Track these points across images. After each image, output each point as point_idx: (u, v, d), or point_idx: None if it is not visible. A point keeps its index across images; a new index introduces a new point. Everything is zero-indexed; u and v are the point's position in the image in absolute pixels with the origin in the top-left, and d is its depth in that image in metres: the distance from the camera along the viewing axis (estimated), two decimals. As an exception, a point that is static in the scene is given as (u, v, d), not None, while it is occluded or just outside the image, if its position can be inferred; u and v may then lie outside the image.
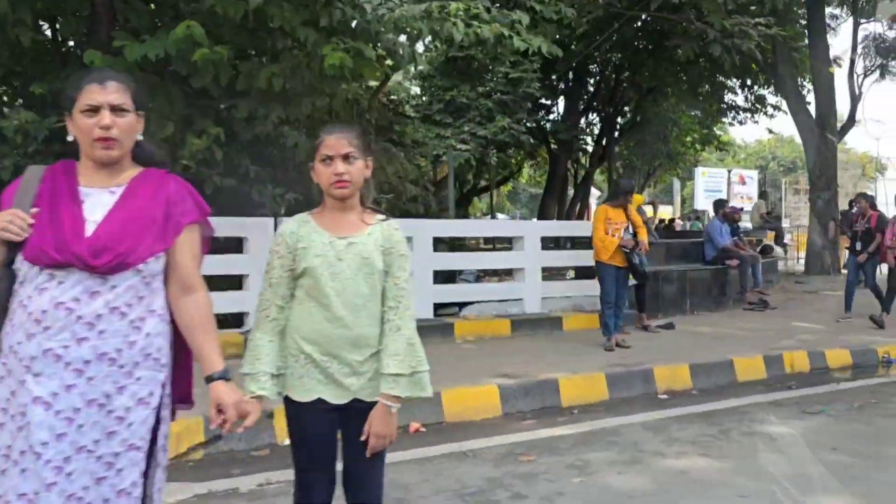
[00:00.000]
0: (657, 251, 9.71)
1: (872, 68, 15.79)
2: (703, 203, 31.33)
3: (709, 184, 39.91)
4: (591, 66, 21.61)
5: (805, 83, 16.54)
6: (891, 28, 16.46)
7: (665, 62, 20.37)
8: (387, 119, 14.76)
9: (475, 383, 5.08)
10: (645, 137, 22.81)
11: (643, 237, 6.73)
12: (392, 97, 16.53)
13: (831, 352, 6.90)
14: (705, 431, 4.53)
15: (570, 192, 25.71)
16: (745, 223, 15.94)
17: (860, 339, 7.62)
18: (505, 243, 8.88)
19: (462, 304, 7.35)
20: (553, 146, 21.24)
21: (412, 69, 21.82)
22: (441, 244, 7.93)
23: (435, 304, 7.19)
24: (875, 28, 16.78)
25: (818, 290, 12.67)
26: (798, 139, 17.60)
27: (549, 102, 23.50)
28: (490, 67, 17.55)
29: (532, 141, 17.23)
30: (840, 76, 16.75)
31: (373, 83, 13.64)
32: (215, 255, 5.55)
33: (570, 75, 20.38)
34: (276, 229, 5.93)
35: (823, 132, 14.88)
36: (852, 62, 15.81)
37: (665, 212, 39.20)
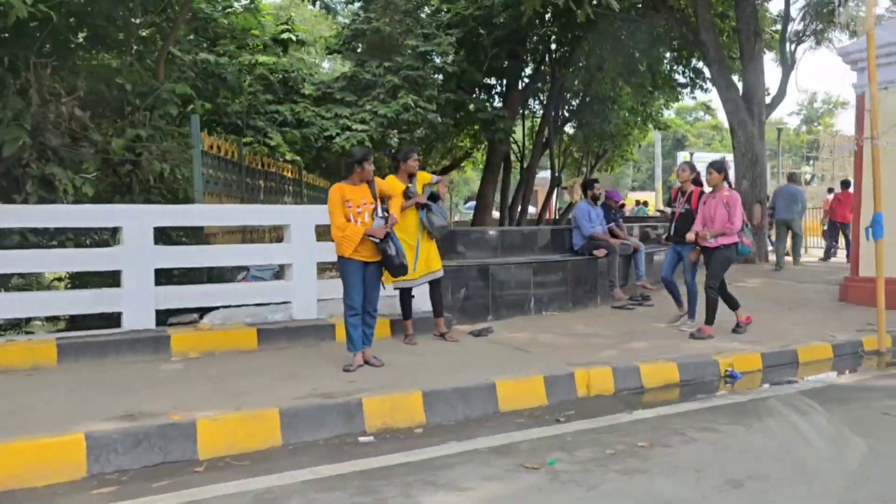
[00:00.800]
0: (507, 240, 8.23)
1: (807, 34, 14.23)
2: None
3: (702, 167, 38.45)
4: (528, 44, 20.11)
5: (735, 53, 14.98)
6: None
7: (599, 36, 18.89)
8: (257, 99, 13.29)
9: (62, 431, 3.61)
10: (587, 118, 21.28)
11: (395, 209, 5.26)
12: (290, 73, 14.96)
13: (652, 366, 5.43)
14: (346, 501, 3.08)
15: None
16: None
17: (710, 347, 6.15)
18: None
19: (206, 310, 5.87)
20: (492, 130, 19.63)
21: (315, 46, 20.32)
22: (183, 236, 6.47)
23: (167, 311, 5.72)
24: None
25: (732, 281, 11.17)
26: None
27: (491, 82, 22.04)
28: (400, 41, 15.97)
29: (440, 120, 15.64)
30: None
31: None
32: None
33: (502, 52, 18.72)
34: None
35: (750, 105, 13.37)
36: (784, 27, 14.25)
37: (646, 197, 37.82)
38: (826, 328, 7.19)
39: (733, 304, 6.92)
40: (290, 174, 11.28)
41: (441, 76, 15.94)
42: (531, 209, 27.02)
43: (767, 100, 13.98)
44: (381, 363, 5.13)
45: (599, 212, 8.88)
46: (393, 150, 16.50)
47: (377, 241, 5.02)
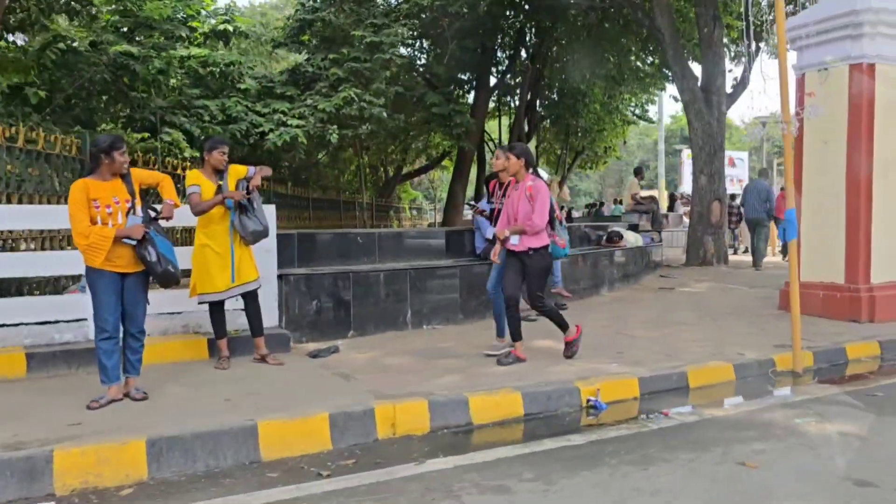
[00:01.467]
0: (392, 244, 7.29)
1: (771, 20, 13.13)
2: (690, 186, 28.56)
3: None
4: (498, 36, 19.18)
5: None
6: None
7: (568, 25, 17.94)
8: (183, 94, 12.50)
9: None
10: (560, 112, 20.30)
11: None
12: (229, 67, 14.10)
13: (488, 398, 4.47)
14: None
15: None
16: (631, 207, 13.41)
17: (577, 370, 5.18)
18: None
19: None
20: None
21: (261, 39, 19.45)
22: None
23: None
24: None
25: (676, 286, 10.21)
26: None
27: (464, 77, 21.16)
28: (349, 32, 15.08)
29: (386, 115, 14.68)
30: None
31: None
32: None
33: (471, 45, 17.73)
34: None
35: (708, 95, 12.34)
36: (746, 11, 13.15)
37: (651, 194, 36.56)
38: (740, 343, 6.20)
39: (559, 322, 5.56)
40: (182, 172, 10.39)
41: (388, 70, 15.00)
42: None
43: (729, 89, 12.95)
44: (143, 396, 4.23)
45: (505, 211, 7.91)
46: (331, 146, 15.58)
47: (133, 243, 4.12)
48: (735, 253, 16.81)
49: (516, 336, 5.41)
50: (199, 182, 5.03)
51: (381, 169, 27.74)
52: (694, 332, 6.77)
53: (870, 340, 6.47)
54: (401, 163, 26.92)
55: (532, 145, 23.06)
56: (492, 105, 23.92)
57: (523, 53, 20.30)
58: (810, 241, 7.82)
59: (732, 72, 14.43)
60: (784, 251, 13.77)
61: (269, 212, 5.55)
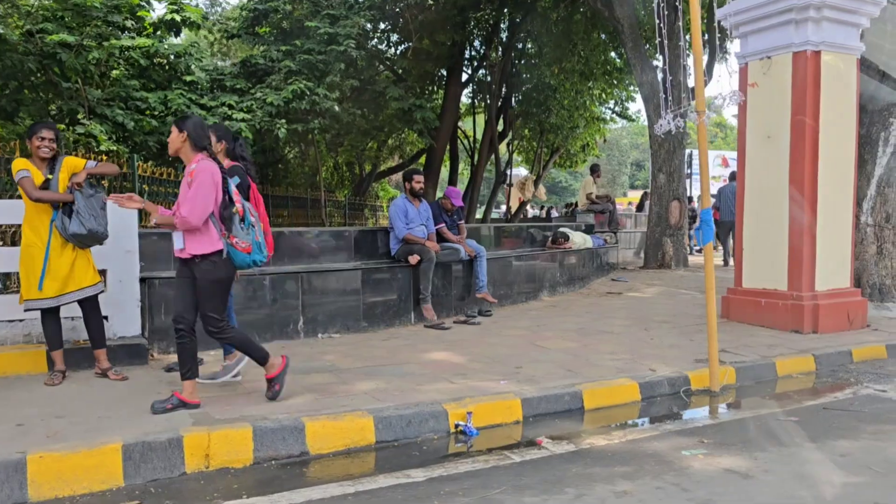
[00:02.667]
0: (293, 245, 6.70)
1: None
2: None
3: (696, 166, 36.70)
4: (466, 29, 18.57)
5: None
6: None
7: (537, 17, 17.36)
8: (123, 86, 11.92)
9: None
10: (531, 109, 19.68)
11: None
12: (175, 58, 13.47)
13: (332, 423, 3.87)
14: None
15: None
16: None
17: (454, 389, 4.59)
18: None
19: None
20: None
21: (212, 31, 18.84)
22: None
23: None
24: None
25: (625, 290, 9.62)
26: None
27: (436, 73, 20.62)
28: (305, 24, 14.49)
29: (338, 109, 14.05)
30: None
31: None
32: None
33: (440, 38, 17.13)
34: None
35: (668, 90, 11.70)
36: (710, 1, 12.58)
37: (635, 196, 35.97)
38: (660, 357, 5.62)
39: (251, 353, 4.33)
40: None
41: (342, 63, 14.38)
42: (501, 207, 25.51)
43: (691, 83, 12.33)
44: None
45: (425, 210, 7.33)
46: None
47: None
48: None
49: (188, 372, 4.08)
50: (28, 168, 4.44)
51: (357, 167, 27.19)
52: (616, 343, 6.18)
53: (805, 354, 5.89)
54: (375, 160, 26.35)
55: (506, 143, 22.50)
56: (470, 102, 23.37)
57: (495, 48, 19.72)
58: (753, 245, 7.25)
59: (706, 66, 13.84)
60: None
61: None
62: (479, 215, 23.74)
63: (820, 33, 6.68)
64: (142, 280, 5.31)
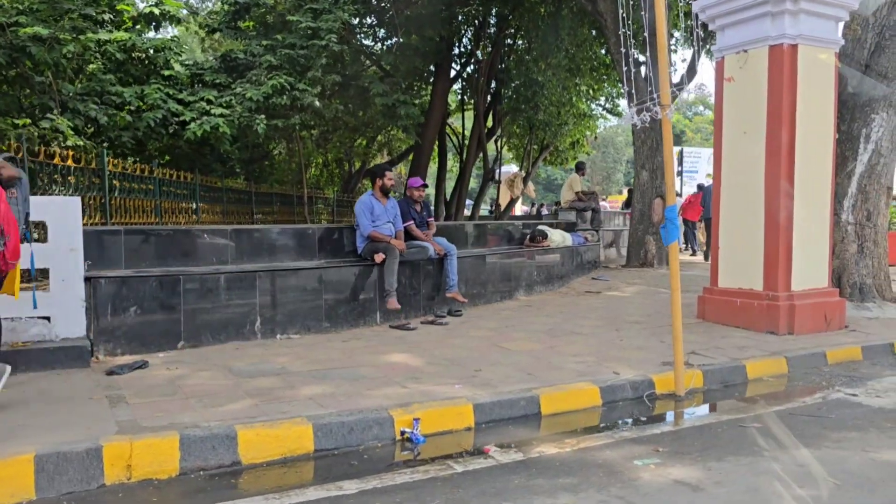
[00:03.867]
0: (252, 243, 6.49)
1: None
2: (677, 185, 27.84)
3: (686, 163, 36.42)
4: (452, 24, 18.34)
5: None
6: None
7: (527, 15, 17.17)
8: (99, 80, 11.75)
9: None
10: (519, 105, 19.47)
11: None
12: (154, 52, 13.23)
13: (265, 431, 3.67)
14: None
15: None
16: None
17: (404, 395, 4.40)
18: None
19: None
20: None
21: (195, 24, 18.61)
22: None
23: None
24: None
25: (604, 289, 9.45)
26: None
27: (425, 69, 20.39)
28: (287, 18, 14.28)
29: (318, 104, 13.81)
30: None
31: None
32: None
33: (428, 33, 16.91)
34: None
35: (651, 83, 11.52)
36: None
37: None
38: (626, 359, 5.44)
39: None
40: (72, 162, 9.56)
41: (324, 58, 14.16)
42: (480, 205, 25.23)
43: (675, 79, 12.16)
44: None
45: (393, 207, 7.13)
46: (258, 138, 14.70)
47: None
48: (694, 254, 16.13)
49: None
50: None
51: (346, 164, 26.97)
52: (583, 345, 6.00)
53: (777, 357, 5.71)
54: (364, 157, 26.13)
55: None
56: (459, 99, 23.14)
57: (484, 43, 19.52)
58: (728, 243, 7.08)
59: (686, 61, 13.62)
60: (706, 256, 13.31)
61: (69, 206, 4.76)
62: (468, 212, 23.56)
63: (797, 26, 6.49)
64: (87, 279, 5.10)
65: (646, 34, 11.38)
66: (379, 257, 6.64)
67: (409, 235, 7.22)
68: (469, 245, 8.69)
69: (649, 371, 5.11)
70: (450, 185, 24.45)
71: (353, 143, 24.25)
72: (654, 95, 4.94)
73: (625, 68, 5.37)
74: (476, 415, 4.25)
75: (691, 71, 12.41)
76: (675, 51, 14.81)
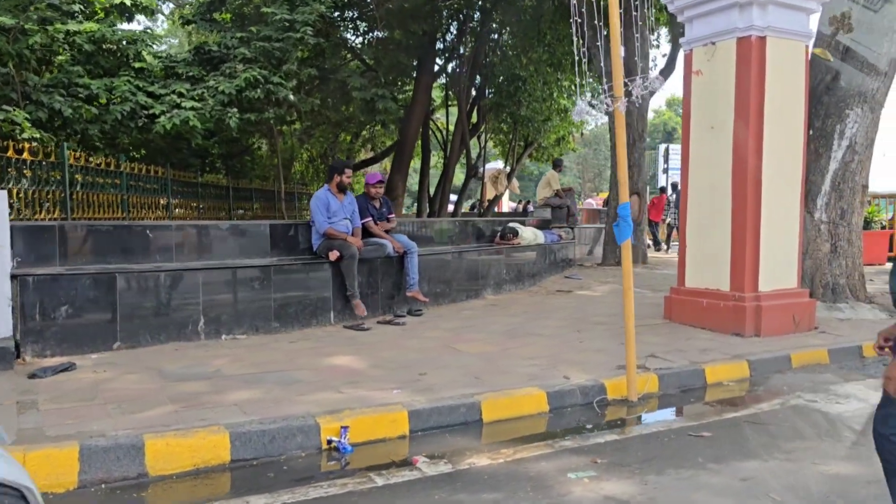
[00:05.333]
0: (200, 240, 6.25)
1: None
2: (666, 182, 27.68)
3: (672, 161, 36.19)
4: (434, 19, 18.07)
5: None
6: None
7: (510, 8, 16.91)
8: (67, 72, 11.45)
9: None
10: (501, 101, 19.24)
11: None
12: (127, 45, 12.93)
13: (176, 440, 3.44)
14: None
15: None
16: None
17: (336, 400, 4.18)
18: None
19: None
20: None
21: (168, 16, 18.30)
22: None
23: None
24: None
25: (576, 288, 9.25)
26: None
27: (409, 63, 20.10)
28: (262, 10, 13.99)
29: (293, 98, 13.53)
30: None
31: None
32: None
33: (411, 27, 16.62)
34: None
35: (629, 78, 11.30)
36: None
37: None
38: (581, 363, 5.23)
39: None
40: (28, 155, 9.29)
41: (300, 50, 13.86)
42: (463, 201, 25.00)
43: (654, 73, 11.93)
44: None
45: (350, 203, 6.90)
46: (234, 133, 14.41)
47: None
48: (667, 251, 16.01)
49: None
50: None
51: (331, 159, 26.67)
52: (541, 347, 5.79)
53: (739, 360, 5.51)
54: (349, 153, 25.84)
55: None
56: (444, 94, 22.89)
57: (467, 37, 19.27)
58: (695, 242, 6.88)
59: (667, 56, 13.41)
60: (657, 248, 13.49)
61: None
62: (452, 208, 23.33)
63: (765, 18, 6.28)
64: (14, 277, 4.86)
65: (599, 23, 11.19)
66: (334, 255, 6.41)
67: (367, 233, 6.99)
68: (435, 242, 8.47)
69: (602, 375, 4.91)
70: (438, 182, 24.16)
71: (336, 139, 23.98)
72: (606, 87, 4.72)
73: (576, 58, 5.11)
74: (411, 422, 4.03)
75: (671, 65, 12.19)
76: (658, 45, 14.60)
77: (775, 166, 6.44)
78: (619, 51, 4.65)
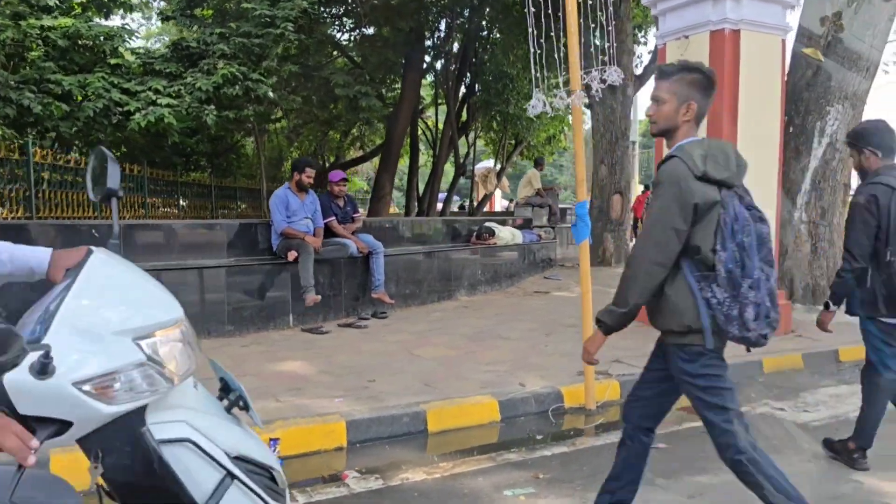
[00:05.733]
0: (151, 240, 6.02)
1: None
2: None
3: None
4: (420, 17, 17.84)
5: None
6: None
7: (499, 5, 16.69)
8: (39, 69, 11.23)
9: None
10: (489, 99, 19.03)
11: None
12: (103, 40, 12.69)
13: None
14: None
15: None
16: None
17: (280, 407, 3.96)
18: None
19: None
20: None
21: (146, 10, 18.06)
22: None
23: None
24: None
25: (554, 290, 9.03)
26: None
27: (398, 61, 19.85)
28: (243, 6, 13.74)
29: (272, 95, 13.29)
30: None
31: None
32: None
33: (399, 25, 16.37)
34: None
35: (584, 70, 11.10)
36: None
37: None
38: (541, 368, 5.02)
39: None
40: None
41: (280, 46, 13.61)
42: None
43: (638, 70, 11.74)
44: None
45: (312, 202, 6.67)
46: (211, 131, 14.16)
47: None
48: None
49: None
50: None
51: (320, 158, 26.45)
52: (505, 351, 5.57)
53: (707, 365, 5.28)
54: (338, 152, 25.62)
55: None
56: (433, 92, 22.67)
57: (455, 34, 19.06)
58: (668, 242, 6.63)
59: (653, 52, 13.18)
60: None
61: None
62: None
63: (739, 10, 6.06)
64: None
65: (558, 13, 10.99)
66: (292, 255, 6.18)
67: (330, 232, 6.77)
68: (405, 242, 8.24)
69: (561, 382, 4.69)
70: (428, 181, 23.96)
71: (325, 137, 23.74)
72: (557, 80, 4.50)
73: (532, 50, 4.89)
74: (350, 433, 3.81)
75: (654, 63, 11.96)
76: (645, 42, 14.38)
77: (750, 164, 6.21)
78: (576, 43, 4.44)
